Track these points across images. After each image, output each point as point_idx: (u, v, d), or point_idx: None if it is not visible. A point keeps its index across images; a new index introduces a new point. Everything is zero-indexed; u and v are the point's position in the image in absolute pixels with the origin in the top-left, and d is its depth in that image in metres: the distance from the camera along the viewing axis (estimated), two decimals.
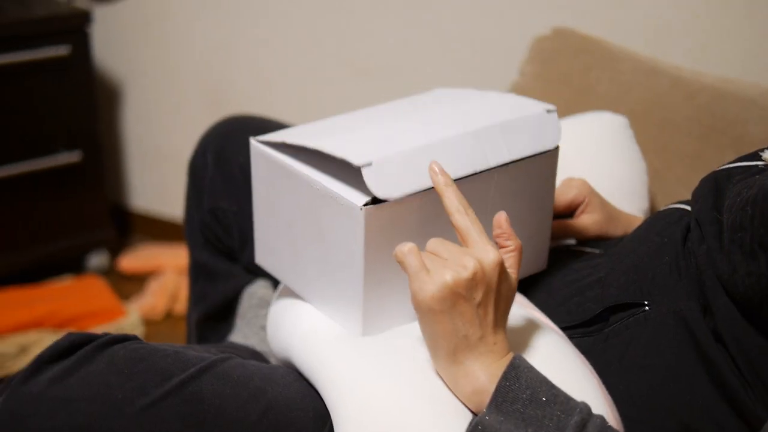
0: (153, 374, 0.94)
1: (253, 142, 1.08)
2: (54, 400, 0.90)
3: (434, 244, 0.91)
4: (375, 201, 0.93)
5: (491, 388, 0.86)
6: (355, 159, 0.93)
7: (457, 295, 0.86)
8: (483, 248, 0.88)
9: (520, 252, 0.93)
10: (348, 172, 0.99)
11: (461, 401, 0.91)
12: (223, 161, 1.42)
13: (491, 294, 0.88)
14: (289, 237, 1.07)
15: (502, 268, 0.89)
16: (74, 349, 0.96)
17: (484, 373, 0.88)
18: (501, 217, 0.94)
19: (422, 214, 0.97)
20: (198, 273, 1.50)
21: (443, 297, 0.86)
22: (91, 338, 0.97)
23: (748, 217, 0.90)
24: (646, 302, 1.02)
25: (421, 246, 0.95)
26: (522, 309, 1.07)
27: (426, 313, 0.88)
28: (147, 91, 2.69)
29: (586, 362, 1.01)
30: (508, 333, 0.94)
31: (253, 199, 1.13)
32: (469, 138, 1.01)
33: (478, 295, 0.87)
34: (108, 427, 0.90)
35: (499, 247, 0.93)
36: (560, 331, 1.06)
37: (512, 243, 0.93)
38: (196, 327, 1.50)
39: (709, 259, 0.97)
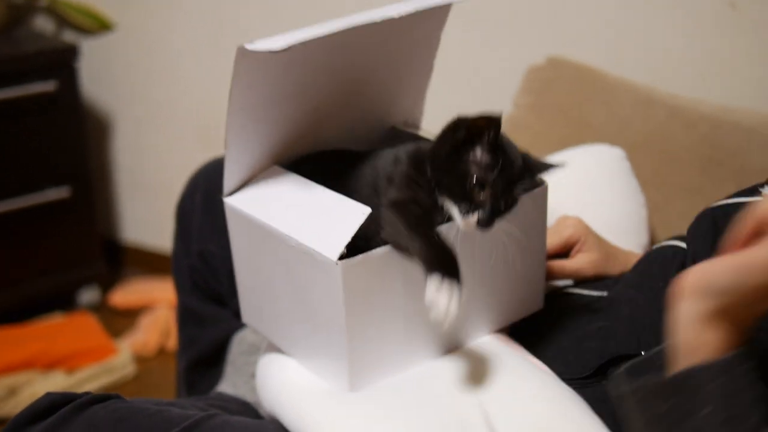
0: None
1: (227, 201, 1.07)
2: None
3: None
4: (351, 253, 0.91)
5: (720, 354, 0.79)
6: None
7: None
8: None
9: None
10: (329, 202, 0.97)
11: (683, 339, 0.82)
12: (212, 203, 1.39)
13: None
14: (270, 295, 1.06)
15: None
16: (54, 409, 0.93)
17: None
18: None
19: (404, 262, 0.95)
20: (186, 318, 1.47)
21: None
22: (71, 398, 0.95)
23: None
24: (642, 352, 0.99)
25: (407, 294, 0.93)
26: (525, 356, 1.04)
27: None
28: (137, 124, 2.68)
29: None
30: (506, 375, 0.92)
31: (233, 258, 1.11)
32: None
33: None
34: None
35: None
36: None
37: None
38: (185, 373, 1.47)
39: None
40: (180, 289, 1.47)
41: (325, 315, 0.96)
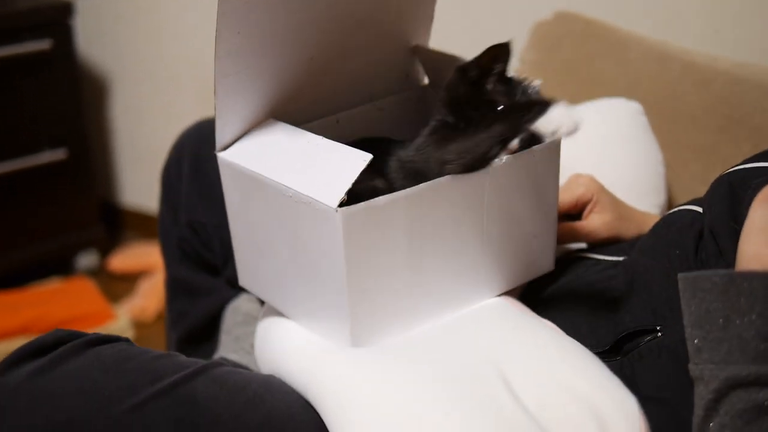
0: (143, 373, 0.90)
1: (221, 155, 1.03)
2: (33, 394, 0.86)
3: None
4: (352, 200, 0.87)
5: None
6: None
7: None
8: None
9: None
10: (326, 151, 0.94)
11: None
12: (200, 169, 1.34)
13: None
14: (268, 253, 1.02)
15: None
16: (59, 345, 0.92)
17: None
18: None
19: (410, 212, 0.92)
20: (176, 290, 1.43)
21: None
22: (78, 335, 0.93)
23: None
24: (658, 327, 0.96)
25: (412, 247, 0.91)
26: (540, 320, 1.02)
27: None
28: (136, 84, 2.65)
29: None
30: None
31: (228, 216, 1.07)
32: None
33: None
34: (92, 426, 0.85)
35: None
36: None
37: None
38: (177, 349, 1.43)
39: None
40: (169, 260, 1.43)
41: (325, 268, 0.93)
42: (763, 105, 1.44)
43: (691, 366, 0.81)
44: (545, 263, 1.11)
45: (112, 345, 0.94)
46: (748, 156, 1.04)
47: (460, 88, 1.00)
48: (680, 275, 0.80)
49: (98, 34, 2.62)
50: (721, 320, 0.77)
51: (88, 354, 0.91)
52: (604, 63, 1.63)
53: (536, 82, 1.01)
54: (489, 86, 0.99)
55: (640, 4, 1.79)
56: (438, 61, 1.16)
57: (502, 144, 0.93)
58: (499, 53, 0.98)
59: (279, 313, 1.06)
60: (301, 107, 1.08)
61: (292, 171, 0.94)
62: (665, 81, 1.55)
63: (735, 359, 0.76)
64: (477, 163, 0.94)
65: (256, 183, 0.97)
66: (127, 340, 0.97)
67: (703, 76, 1.52)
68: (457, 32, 2.01)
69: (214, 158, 1.13)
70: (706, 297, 0.78)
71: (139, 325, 2.36)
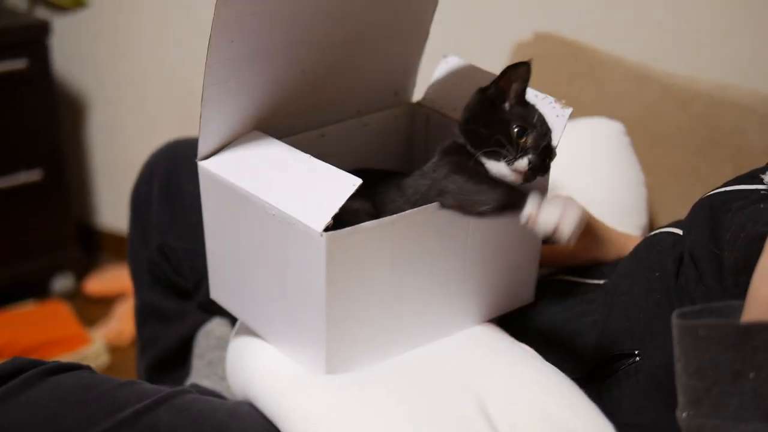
0: (104, 403, 0.88)
1: (202, 164, 1.00)
2: None
3: None
4: (338, 225, 0.86)
5: None
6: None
7: None
8: None
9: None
10: (314, 171, 0.92)
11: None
12: (170, 191, 1.32)
13: None
14: (245, 269, 1.00)
15: None
16: (18, 373, 0.90)
17: None
18: None
19: (395, 239, 0.91)
20: (146, 315, 1.40)
21: None
22: (37, 363, 0.92)
23: (755, 256, 0.79)
24: (636, 352, 0.96)
25: (394, 274, 0.90)
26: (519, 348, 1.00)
27: None
28: (113, 104, 2.63)
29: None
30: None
31: (204, 228, 1.05)
32: None
33: None
34: None
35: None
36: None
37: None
38: (147, 376, 1.40)
39: (708, 303, 0.87)
40: (138, 284, 1.41)
41: (304, 291, 0.91)
42: (742, 126, 1.45)
43: (683, 416, 0.75)
44: (526, 295, 1.10)
45: (72, 373, 0.92)
46: (728, 177, 1.04)
47: (476, 108, 0.99)
48: (677, 320, 0.73)
49: (75, 53, 2.60)
50: (730, 373, 0.70)
51: (47, 383, 0.90)
52: (584, 84, 1.63)
53: (567, 110, 1.01)
54: (507, 106, 0.98)
55: (620, 26, 1.78)
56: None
57: (497, 210, 0.91)
58: (518, 73, 0.97)
59: (252, 333, 1.04)
60: (287, 119, 1.07)
61: (277, 188, 0.92)
62: (645, 102, 1.55)
63: (748, 416, 0.70)
64: (469, 209, 0.92)
65: (237, 197, 0.95)
66: (88, 368, 0.95)
67: (682, 98, 1.52)
68: (437, 53, 2.00)
69: (187, 179, 1.11)
70: (712, 347, 0.71)
71: (114, 349, 2.32)
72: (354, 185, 0.87)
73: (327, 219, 0.85)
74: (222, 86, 0.94)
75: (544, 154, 0.96)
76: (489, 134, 0.94)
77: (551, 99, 1.02)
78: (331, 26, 1.00)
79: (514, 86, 0.98)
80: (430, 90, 1.17)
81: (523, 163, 0.92)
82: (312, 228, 0.86)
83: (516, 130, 0.94)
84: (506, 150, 0.93)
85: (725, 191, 0.99)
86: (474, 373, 0.92)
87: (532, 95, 1.03)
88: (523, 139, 0.94)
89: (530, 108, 0.98)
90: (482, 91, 0.99)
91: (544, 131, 0.97)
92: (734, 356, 0.70)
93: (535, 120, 0.96)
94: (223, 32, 0.89)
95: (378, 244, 0.90)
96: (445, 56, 1.15)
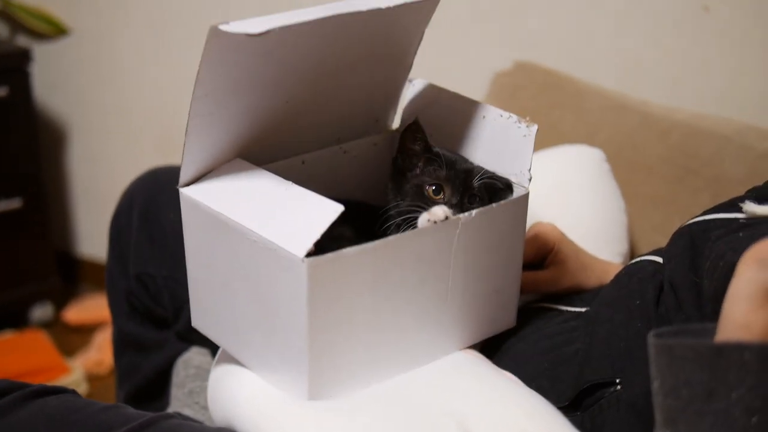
0: (89, 427, 0.88)
1: (183, 191, 1.00)
2: None
3: None
4: (319, 251, 0.85)
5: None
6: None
7: None
8: None
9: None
10: (296, 198, 0.92)
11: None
12: (150, 220, 1.31)
13: None
14: (226, 296, 0.99)
15: None
16: (2, 396, 0.90)
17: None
18: None
19: (377, 265, 0.90)
20: (124, 345, 1.39)
21: None
22: (23, 386, 0.92)
23: None
24: (617, 380, 0.95)
25: (376, 300, 0.90)
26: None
27: None
28: (93, 132, 2.62)
29: None
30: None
31: (186, 255, 1.05)
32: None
33: None
34: None
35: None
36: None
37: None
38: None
39: None
40: (116, 313, 1.39)
41: (286, 318, 0.90)
42: (720, 155, 1.45)
43: None
44: (507, 320, 1.09)
45: (57, 396, 0.92)
46: (706, 206, 1.04)
47: (394, 183, 1.06)
48: (653, 339, 0.74)
49: (56, 81, 2.60)
50: (704, 392, 0.71)
51: (32, 406, 0.89)
52: (563, 113, 1.63)
53: (533, 127, 1.01)
54: (417, 171, 1.04)
55: (599, 55, 1.80)
56: None
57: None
58: (412, 135, 1.04)
59: (233, 360, 1.03)
60: (269, 147, 1.07)
61: (258, 215, 0.92)
62: (623, 131, 1.56)
63: None
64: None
65: (218, 223, 0.95)
66: (73, 391, 0.95)
67: (661, 127, 1.53)
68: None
69: (167, 207, 1.11)
70: (686, 366, 0.71)
71: (94, 378, 2.31)
72: (336, 212, 0.87)
73: (309, 245, 0.85)
74: (206, 118, 0.94)
75: (466, 186, 1.01)
76: (413, 200, 1.00)
77: (515, 118, 1.03)
78: (316, 59, 1.01)
79: (416, 147, 1.04)
80: (405, 116, 1.17)
81: (438, 210, 0.95)
82: (293, 254, 0.85)
83: (432, 189, 1.00)
84: (427, 208, 0.96)
85: (705, 220, 0.99)
86: (456, 398, 0.92)
87: (496, 115, 1.04)
88: (440, 195, 1.00)
89: (438, 155, 1.02)
90: (393, 162, 1.06)
91: (461, 167, 1.02)
92: (708, 376, 0.70)
93: (445, 172, 1.01)
94: (213, 64, 0.89)
95: (360, 270, 0.89)
96: (410, 80, 1.16)
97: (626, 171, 1.52)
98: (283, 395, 0.95)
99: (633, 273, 1.06)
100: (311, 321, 0.88)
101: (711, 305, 0.86)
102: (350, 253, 0.87)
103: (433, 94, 1.14)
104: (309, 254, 0.85)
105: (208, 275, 1.02)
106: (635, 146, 1.53)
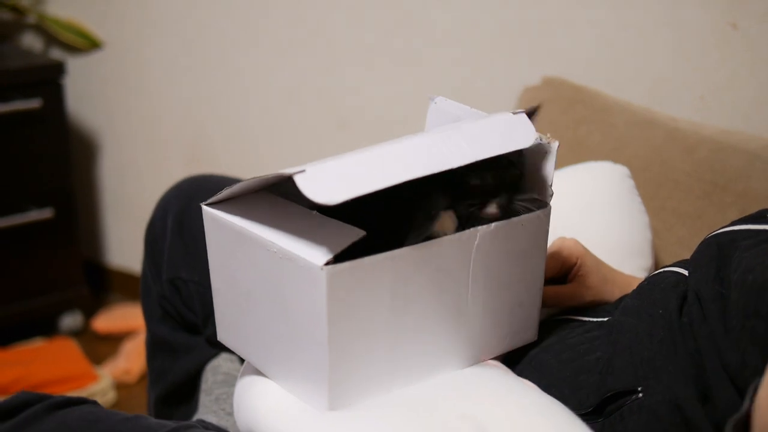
0: None
1: (205, 207, 1.01)
2: None
3: None
4: (339, 259, 0.85)
5: None
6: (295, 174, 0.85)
7: None
8: None
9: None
10: (318, 223, 0.92)
11: None
12: (184, 227, 1.33)
13: None
14: (248, 309, 1.00)
15: None
16: (24, 407, 0.90)
17: None
18: None
19: (395, 274, 0.90)
20: (156, 348, 1.40)
21: None
22: (44, 398, 0.92)
23: (765, 303, 0.79)
24: (639, 388, 0.94)
25: (394, 309, 0.89)
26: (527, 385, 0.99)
27: None
28: (123, 144, 2.64)
29: None
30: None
31: (210, 270, 1.05)
32: (425, 141, 0.92)
33: None
34: None
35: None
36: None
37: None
38: (156, 408, 1.40)
39: (712, 344, 0.87)
40: (149, 317, 1.41)
41: (306, 328, 0.90)
42: (747, 171, 1.44)
43: None
44: (528, 334, 1.09)
45: (78, 407, 0.92)
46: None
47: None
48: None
49: (88, 93, 2.62)
50: None
51: (53, 418, 0.90)
52: (590, 128, 1.63)
53: (554, 143, 1.01)
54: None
55: (627, 72, 1.79)
56: None
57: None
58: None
59: (258, 372, 1.04)
60: None
61: (279, 229, 0.92)
62: (650, 147, 1.55)
63: None
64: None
65: (239, 237, 0.96)
66: (94, 402, 0.95)
67: (688, 143, 1.51)
68: (448, 96, 2.01)
69: (200, 216, 1.13)
70: None
71: (121, 386, 2.32)
72: (358, 235, 0.87)
73: (328, 254, 0.85)
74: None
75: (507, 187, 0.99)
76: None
77: (538, 135, 1.03)
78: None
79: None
80: None
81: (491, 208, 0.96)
82: (312, 262, 0.85)
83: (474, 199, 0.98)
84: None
85: (732, 230, 0.98)
86: (477, 407, 0.92)
87: None
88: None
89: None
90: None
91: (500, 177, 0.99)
92: None
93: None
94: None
95: (378, 279, 0.89)
96: (432, 98, 1.15)
97: (653, 186, 1.52)
98: (304, 406, 0.95)
99: (656, 283, 1.06)
100: (331, 330, 0.88)
101: (739, 320, 0.85)
102: (369, 261, 0.88)
103: (454, 112, 1.15)
104: (327, 263, 0.85)
105: (231, 289, 1.03)
106: (662, 161, 1.53)
